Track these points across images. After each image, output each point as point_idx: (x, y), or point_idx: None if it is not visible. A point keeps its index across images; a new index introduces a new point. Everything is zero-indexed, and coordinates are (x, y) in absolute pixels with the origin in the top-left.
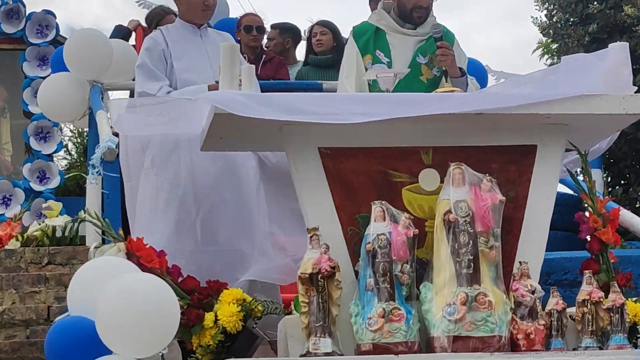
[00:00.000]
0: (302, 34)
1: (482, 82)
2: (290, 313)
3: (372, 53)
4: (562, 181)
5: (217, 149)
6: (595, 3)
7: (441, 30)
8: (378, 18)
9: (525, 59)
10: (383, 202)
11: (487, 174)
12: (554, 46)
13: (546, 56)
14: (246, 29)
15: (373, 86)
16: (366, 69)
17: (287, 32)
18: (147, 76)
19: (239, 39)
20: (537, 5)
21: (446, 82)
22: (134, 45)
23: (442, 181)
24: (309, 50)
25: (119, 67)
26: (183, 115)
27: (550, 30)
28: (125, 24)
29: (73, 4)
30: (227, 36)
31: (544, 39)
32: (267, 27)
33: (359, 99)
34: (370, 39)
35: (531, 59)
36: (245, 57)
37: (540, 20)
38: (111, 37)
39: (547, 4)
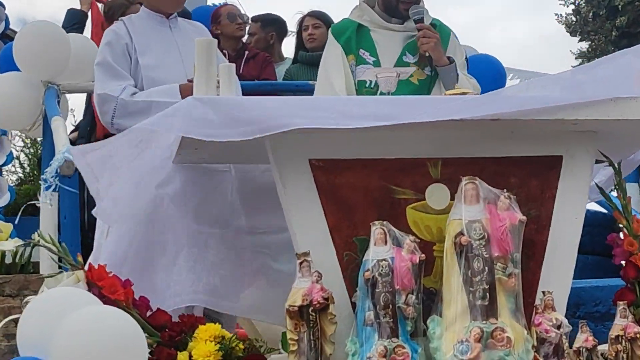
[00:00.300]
0: (289, 26)
1: (499, 81)
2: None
3: (355, 53)
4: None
5: (191, 161)
6: None
7: (421, 12)
8: (360, 14)
9: (547, 54)
10: (384, 222)
11: (505, 190)
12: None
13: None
14: (230, 17)
15: (359, 91)
16: (351, 72)
17: (270, 25)
18: (108, 75)
19: (217, 32)
20: (562, 1)
21: (431, 68)
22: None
23: (452, 198)
24: (300, 45)
25: (78, 65)
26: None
27: (577, 28)
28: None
29: None
30: (200, 26)
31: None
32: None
33: (357, 102)
34: (352, 38)
35: (554, 54)
36: (225, 54)
37: (566, 17)
38: (65, 25)
39: None
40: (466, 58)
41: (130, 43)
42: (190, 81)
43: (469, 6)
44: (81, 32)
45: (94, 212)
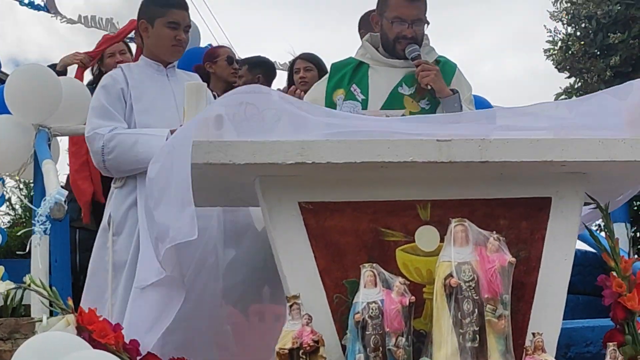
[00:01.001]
0: (279, 64)
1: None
2: None
3: (346, 87)
4: (582, 237)
5: None
6: (617, 32)
7: (417, 49)
8: (363, 52)
9: (538, 91)
10: (374, 265)
11: (495, 232)
12: (571, 81)
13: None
14: (228, 60)
15: None
16: (335, 105)
17: (258, 67)
18: (99, 117)
19: (211, 71)
20: (550, 35)
21: (433, 97)
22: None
23: (442, 240)
24: (289, 83)
25: (69, 108)
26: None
27: (567, 65)
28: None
29: (11, 31)
30: (197, 78)
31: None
32: None
33: (335, 113)
34: (348, 73)
35: (545, 91)
36: (214, 96)
37: (555, 53)
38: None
39: (561, 34)
40: None
41: (126, 88)
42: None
43: (460, 42)
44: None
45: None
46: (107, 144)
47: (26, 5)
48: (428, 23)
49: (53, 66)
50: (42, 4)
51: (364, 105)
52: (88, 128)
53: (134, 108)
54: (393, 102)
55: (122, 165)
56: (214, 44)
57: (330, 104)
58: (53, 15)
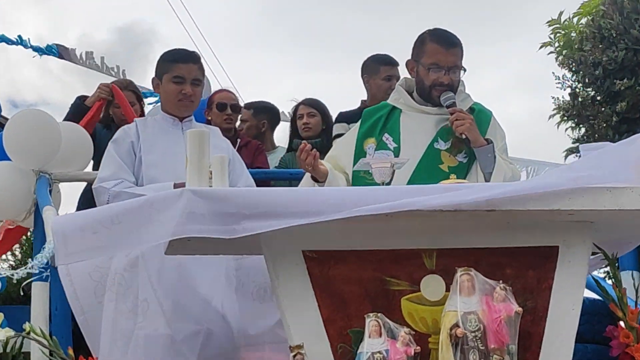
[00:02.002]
0: (285, 114)
1: None
2: None
3: (378, 137)
4: (590, 285)
5: (185, 252)
6: (624, 79)
7: (452, 97)
8: (396, 97)
9: (544, 132)
10: (379, 314)
11: (501, 281)
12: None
13: (568, 124)
14: (219, 107)
15: (361, 180)
16: (365, 154)
17: (263, 113)
18: (108, 168)
19: (209, 119)
20: (558, 83)
21: (468, 147)
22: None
23: (447, 289)
24: (294, 134)
25: (69, 154)
26: (143, 220)
27: (574, 112)
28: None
29: (3, 72)
30: (215, 130)
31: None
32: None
33: (334, 194)
34: (381, 119)
35: (551, 132)
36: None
37: (563, 100)
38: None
39: (570, 81)
40: None
41: (136, 142)
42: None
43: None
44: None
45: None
46: (112, 200)
47: (36, 50)
48: (465, 70)
49: (82, 98)
50: (40, 46)
51: (396, 153)
52: (96, 179)
53: (143, 161)
54: (430, 159)
55: None
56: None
57: (360, 152)
58: (67, 60)
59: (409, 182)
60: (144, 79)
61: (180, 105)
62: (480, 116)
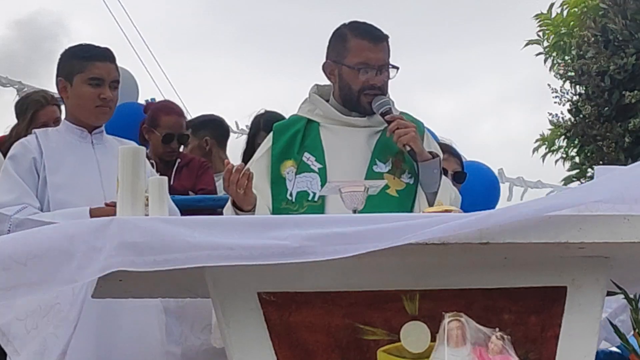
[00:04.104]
0: (239, 125)
1: (493, 193)
2: None
3: (297, 157)
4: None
5: (115, 294)
6: (635, 90)
7: (387, 102)
8: (311, 107)
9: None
10: None
11: (498, 329)
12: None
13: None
14: (165, 139)
15: (299, 204)
16: (284, 180)
17: (203, 128)
18: (7, 191)
19: (147, 137)
20: (556, 96)
21: (413, 163)
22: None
23: (433, 339)
24: (250, 151)
25: None
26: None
27: (578, 131)
28: None
29: None
30: (132, 145)
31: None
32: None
33: (310, 222)
34: (297, 136)
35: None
36: (152, 163)
37: (563, 118)
38: None
39: (569, 93)
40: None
41: (39, 158)
42: (109, 205)
43: (456, 97)
44: None
45: None
46: (14, 229)
47: None
48: (397, 68)
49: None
50: None
51: (322, 175)
52: None
53: (48, 182)
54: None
55: None
56: (159, 99)
57: (278, 178)
58: None
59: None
60: (50, 81)
61: (99, 112)
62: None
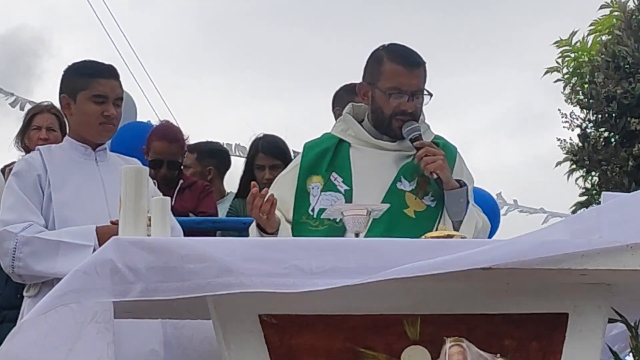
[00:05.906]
0: (237, 147)
1: (491, 218)
2: None
3: (324, 174)
4: None
5: (115, 316)
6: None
7: (418, 128)
8: (344, 127)
9: (539, 179)
10: None
11: (499, 355)
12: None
13: (577, 173)
14: (153, 164)
15: (319, 221)
16: (308, 195)
17: (209, 157)
18: (12, 209)
19: (145, 156)
20: (565, 121)
21: (438, 189)
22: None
23: None
24: (248, 180)
25: None
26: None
27: (584, 156)
28: None
29: None
30: (135, 163)
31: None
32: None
33: (317, 251)
34: (327, 154)
35: (552, 181)
36: (155, 183)
37: (570, 144)
38: None
39: (579, 119)
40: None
41: (43, 175)
42: (114, 223)
43: (448, 119)
44: None
45: None
46: (21, 247)
47: None
48: (431, 95)
49: None
50: None
51: (348, 197)
52: None
53: (53, 199)
54: (392, 202)
55: (36, 274)
56: (154, 120)
57: (303, 192)
58: None
59: (369, 232)
60: (30, 94)
61: (102, 130)
62: (445, 152)
